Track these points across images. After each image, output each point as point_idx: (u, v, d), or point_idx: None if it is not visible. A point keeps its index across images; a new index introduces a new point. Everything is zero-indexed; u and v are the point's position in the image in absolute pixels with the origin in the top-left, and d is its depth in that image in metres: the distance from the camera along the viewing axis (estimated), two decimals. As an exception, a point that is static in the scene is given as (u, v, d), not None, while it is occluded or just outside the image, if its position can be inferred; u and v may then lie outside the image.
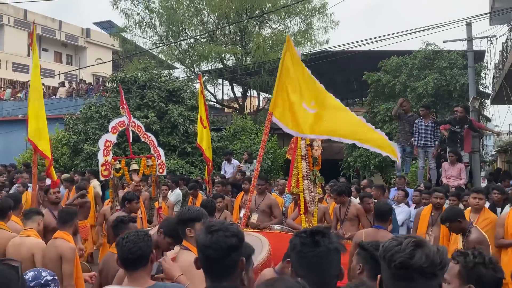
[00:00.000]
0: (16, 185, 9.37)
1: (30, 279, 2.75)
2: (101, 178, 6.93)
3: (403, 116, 10.42)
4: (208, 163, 9.22)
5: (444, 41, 13.40)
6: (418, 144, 9.88)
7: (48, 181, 9.13)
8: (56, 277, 2.94)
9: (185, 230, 3.30)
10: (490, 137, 28.43)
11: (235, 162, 11.60)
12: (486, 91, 15.29)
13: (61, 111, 17.77)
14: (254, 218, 6.80)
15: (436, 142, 9.89)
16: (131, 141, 7.74)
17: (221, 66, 19.90)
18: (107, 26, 30.88)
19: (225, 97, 24.27)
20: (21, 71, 31.43)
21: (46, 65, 29.09)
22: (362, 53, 15.81)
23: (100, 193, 9.63)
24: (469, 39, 12.07)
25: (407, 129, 10.27)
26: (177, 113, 14.46)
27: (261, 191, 7.04)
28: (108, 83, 17.91)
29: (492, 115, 17.83)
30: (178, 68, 21.67)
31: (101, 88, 20.06)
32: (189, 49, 19.93)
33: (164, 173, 7.82)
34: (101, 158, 6.49)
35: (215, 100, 22.24)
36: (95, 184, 9.56)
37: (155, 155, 7.34)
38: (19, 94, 23.76)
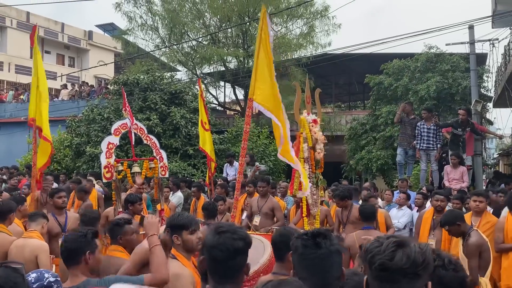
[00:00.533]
0: (22, 187, 9.40)
1: (33, 281, 2.75)
2: (104, 180, 6.93)
3: (405, 119, 10.42)
4: (209, 167, 9.24)
5: (446, 44, 13.44)
6: (420, 147, 9.88)
7: (54, 184, 9.17)
8: (59, 279, 2.94)
9: (172, 237, 3.19)
10: (492, 140, 28.39)
11: (237, 164, 11.61)
12: (489, 94, 15.28)
13: (63, 113, 17.80)
14: (257, 220, 6.80)
15: (438, 145, 9.88)
16: (133, 143, 7.75)
17: (223, 68, 19.91)
18: (109, 28, 30.95)
19: (227, 100, 24.29)
20: (24, 73, 31.51)
21: (48, 67, 29.13)
22: (364, 56, 15.82)
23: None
24: (471, 42, 12.06)
25: (409, 132, 10.27)
26: (179, 115, 14.48)
27: (263, 194, 7.05)
28: (111, 86, 17.95)
29: (494, 118, 17.84)
30: (180, 71, 21.69)
31: (104, 91, 20.11)
32: (191, 52, 19.95)
33: (167, 176, 7.82)
34: (103, 160, 6.50)
35: (217, 103, 22.25)
36: (97, 187, 9.57)
37: (157, 157, 7.34)
38: (21, 96, 23.83)
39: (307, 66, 17.31)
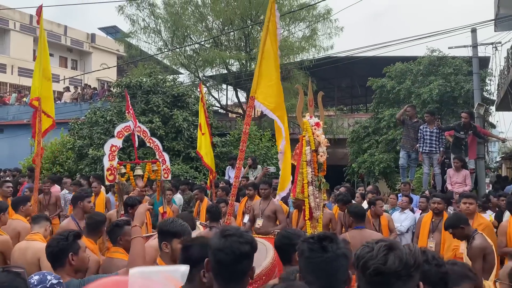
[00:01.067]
0: (24, 189, 9.42)
1: (35, 283, 2.75)
2: (106, 183, 6.94)
3: (408, 122, 10.40)
4: (211, 171, 9.25)
5: (449, 47, 13.40)
6: (423, 150, 9.86)
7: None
8: (62, 281, 2.95)
9: (161, 244, 3.04)
10: (495, 143, 28.33)
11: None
12: (491, 98, 15.25)
13: (66, 116, 17.84)
14: (259, 223, 6.79)
15: (441, 148, 9.86)
16: (136, 145, 7.76)
17: (225, 71, 19.95)
18: (112, 31, 31.06)
19: (229, 103, 24.33)
20: (27, 76, 31.58)
21: (51, 70, 29.22)
22: (367, 59, 15.83)
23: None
24: (474, 46, 12.06)
25: (412, 135, 10.25)
26: (182, 118, 14.50)
27: (265, 196, 7.04)
28: (113, 88, 17.99)
29: (497, 121, 17.81)
30: (182, 74, 21.76)
31: (106, 93, 20.16)
32: (194, 55, 19.99)
33: (169, 178, 7.82)
34: (106, 163, 6.50)
35: (219, 106, 22.28)
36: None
37: (160, 160, 7.34)
38: (24, 99, 23.89)
39: (309, 69, 17.33)
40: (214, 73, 20.36)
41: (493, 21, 12.72)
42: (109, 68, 27.69)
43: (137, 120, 7.56)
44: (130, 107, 7.55)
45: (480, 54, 12.47)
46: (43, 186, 8.98)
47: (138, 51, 20.62)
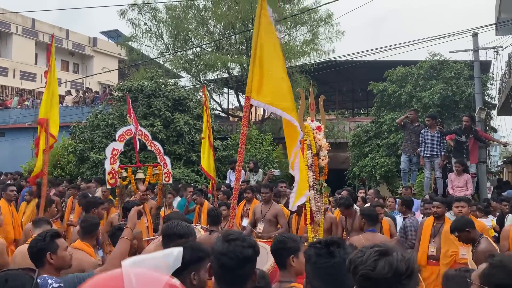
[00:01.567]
0: (23, 193, 9.40)
1: (36, 287, 2.76)
2: (108, 186, 6.94)
3: (409, 126, 10.40)
4: (212, 179, 9.28)
5: (450, 52, 13.41)
6: (424, 154, 9.85)
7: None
8: (62, 285, 2.96)
9: (168, 246, 3.09)
10: (496, 147, 28.30)
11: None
12: (493, 102, 15.25)
13: (67, 119, 17.86)
14: (260, 227, 6.78)
15: (442, 152, 9.85)
16: (137, 149, 7.77)
17: (226, 75, 19.99)
18: (114, 35, 31.12)
19: (230, 106, 24.35)
20: (29, 79, 31.68)
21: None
22: (368, 63, 15.84)
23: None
24: (475, 50, 12.07)
25: (414, 139, 10.24)
26: (183, 122, 14.52)
27: (266, 200, 7.03)
28: (115, 92, 18.03)
29: (498, 125, 17.79)
30: (184, 77, 21.79)
31: (108, 97, 20.19)
32: (195, 59, 20.04)
33: (170, 182, 7.83)
34: (108, 167, 6.52)
35: (220, 109, 22.31)
36: (100, 193, 9.56)
37: (162, 163, 7.36)
38: (26, 102, 23.94)
39: (310, 73, 17.35)
40: (216, 77, 20.41)
41: (494, 26, 12.74)
42: (110, 71, 27.81)
43: (138, 124, 7.57)
44: (132, 111, 7.57)
45: (481, 58, 12.48)
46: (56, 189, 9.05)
47: (140, 55, 20.66)
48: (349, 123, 19.93)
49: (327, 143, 5.71)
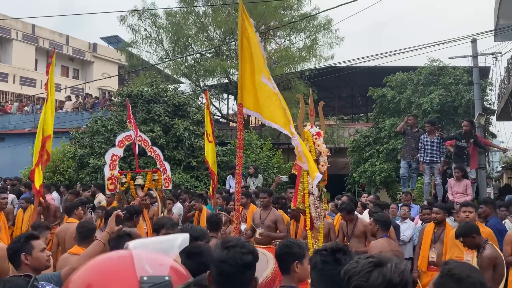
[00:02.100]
0: (20, 200, 9.39)
1: (35, 293, 2.76)
2: (107, 192, 6.94)
3: (409, 132, 10.40)
4: (212, 178, 9.17)
5: (449, 58, 13.44)
6: (424, 160, 9.84)
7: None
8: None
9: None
10: (496, 153, 28.30)
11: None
12: (492, 107, 15.27)
13: (67, 125, 17.88)
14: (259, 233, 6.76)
15: (442, 158, 9.85)
16: (137, 154, 7.77)
17: (226, 81, 20.02)
18: (114, 41, 31.21)
19: (230, 112, 24.38)
20: (29, 85, 31.72)
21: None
22: (367, 69, 15.87)
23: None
24: (474, 56, 12.10)
25: (413, 145, 10.25)
26: (183, 127, 14.52)
27: (265, 205, 7.00)
28: (115, 98, 18.05)
29: (498, 131, 17.75)
30: (184, 83, 21.84)
31: (107, 102, 20.21)
32: (195, 64, 20.08)
33: (170, 188, 7.82)
34: (107, 172, 6.52)
35: (220, 115, 22.33)
36: (100, 199, 9.56)
37: (161, 169, 7.36)
38: (26, 108, 23.96)
39: (310, 78, 17.39)
40: (215, 83, 20.45)
41: (493, 32, 12.78)
42: (110, 77, 27.86)
43: (138, 130, 7.58)
44: (131, 117, 7.58)
45: (480, 64, 12.51)
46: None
47: (140, 61, 20.71)
48: (349, 128, 19.94)
49: (327, 149, 5.70)
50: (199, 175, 14.25)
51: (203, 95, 14.78)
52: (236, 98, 21.60)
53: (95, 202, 10.42)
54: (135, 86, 16.60)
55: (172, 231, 4.24)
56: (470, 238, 4.76)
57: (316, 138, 5.61)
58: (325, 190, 5.67)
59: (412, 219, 7.95)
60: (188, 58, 19.81)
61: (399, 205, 8.41)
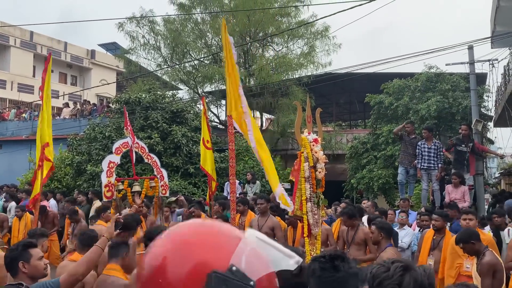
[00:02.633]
0: (15, 209, 9.35)
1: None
2: (104, 199, 6.91)
3: (406, 138, 10.41)
4: (210, 185, 9.14)
5: (446, 64, 13.51)
6: (421, 167, 9.85)
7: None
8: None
9: None
10: (493, 159, 28.33)
11: (237, 183, 11.60)
12: (489, 114, 15.32)
13: (65, 132, 17.85)
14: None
15: (439, 165, 9.86)
16: (134, 161, 7.75)
17: (224, 87, 19.99)
18: (112, 47, 31.26)
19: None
20: (26, 92, 31.70)
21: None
22: (365, 76, 15.92)
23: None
24: (471, 62, 12.14)
25: (410, 151, 10.25)
26: (181, 134, 14.51)
27: (262, 211, 6.98)
28: (113, 104, 18.04)
29: (495, 137, 17.83)
30: (182, 89, 21.85)
31: (105, 109, 20.20)
32: (193, 71, 20.12)
33: (167, 195, 7.80)
34: (104, 179, 6.50)
35: (218, 121, 22.34)
36: (97, 206, 9.52)
37: (158, 176, 7.34)
38: (23, 115, 23.94)
39: (308, 85, 17.42)
40: (213, 89, 20.47)
41: (490, 39, 12.83)
42: (108, 84, 27.83)
43: (135, 136, 7.57)
44: (129, 124, 7.57)
45: (477, 71, 12.55)
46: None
47: (138, 67, 20.73)
48: (347, 135, 19.97)
49: (324, 156, 5.70)
50: (197, 182, 14.22)
51: (201, 102, 14.77)
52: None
53: (92, 209, 10.40)
54: (133, 93, 16.60)
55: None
56: (470, 244, 4.77)
57: (313, 145, 5.61)
58: (322, 197, 5.67)
59: (410, 225, 7.95)
60: (186, 64, 19.85)
61: (397, 211, 8.40)
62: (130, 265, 3.85)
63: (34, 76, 33.46)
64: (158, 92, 16.30)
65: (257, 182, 11.60)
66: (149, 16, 19.41)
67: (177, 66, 19.63)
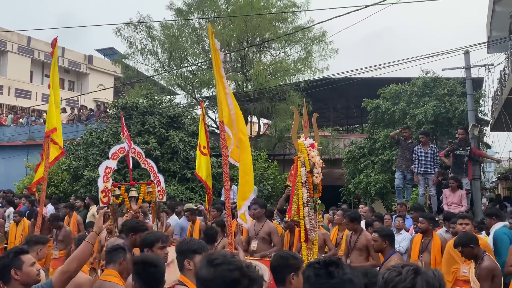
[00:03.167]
0: (13, 214, 9.33)
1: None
2: (101, 205, 6.88)
3: (403, 143, 10.43)
4: (208, 192, 9.08)
5: (442, 69, 13.53)
6: (418, 171, 9.86)
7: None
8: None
9: (184, 262, 3.22)
10: (490, 164, 28.41)
11: (235, 188, 11.57)
12: (485, 118, 15.36)
13: (62, 137, 17.79)
14: (254, 245, 6.73)
15: (436, 169, 9.87)
16: (131, 167, 7.73)
17: (222, 92, 20.06)
18: (109, 53, 31.27)
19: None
20: (23, 97, 31.65)
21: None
22: (362, 80, 15.97)
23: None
24: (468, 67, 12.18)
25: (407, 156, 10.26)
26: (178, 139, 14.50)
27: (256, 217, 6.96)
28: (110, 109, 18.03)
29: (492, 142, 17.83)
30: (179, 94, 21.87)
31: (103, 114, 20.19)
32: (191, 76, 20.15)
33: (164, 200, 7.77)
34: (101, 185, 6.47)
35: (215, 126, 22.34)
36: (94, 211, 9.51)
37: (155, 181, 7.32)
38: (20, 120, 23.89)
39: (305, 90, 17.46)
40: (211, 94, 20.49)
41: (486, 44, 12.90)
42: (106, 89, 27.85)
43: (132, 142, 7.56)
44: (125, 129, 7.55)
45: (473, 76, 12.59)
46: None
47: (135, 73, 20.76)
48: (344, 139, 20.00)
49: (321, 161, 5.69)
50: (194, 187, 14.20)
51: (199, 107, 14.79)
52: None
53: (89, 214, 10.38)
54: (130, 98, 16.60)
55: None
56: (469, 248, 4.78)
57: (310, 150, 5.61)
58: (319, 202, 5.66)
59: (407, 230, 7.96)
60: (184, 69, 19.88)
61: (393, 216, 8.40)
62: (127, 270, 3.84)
63: (31, 81, 33.42)
64: (156, 97, 16.30)
65: (254, 187, 11.57)
66: (146, 21, 19.46)
67: (175, 71, 19.65)
